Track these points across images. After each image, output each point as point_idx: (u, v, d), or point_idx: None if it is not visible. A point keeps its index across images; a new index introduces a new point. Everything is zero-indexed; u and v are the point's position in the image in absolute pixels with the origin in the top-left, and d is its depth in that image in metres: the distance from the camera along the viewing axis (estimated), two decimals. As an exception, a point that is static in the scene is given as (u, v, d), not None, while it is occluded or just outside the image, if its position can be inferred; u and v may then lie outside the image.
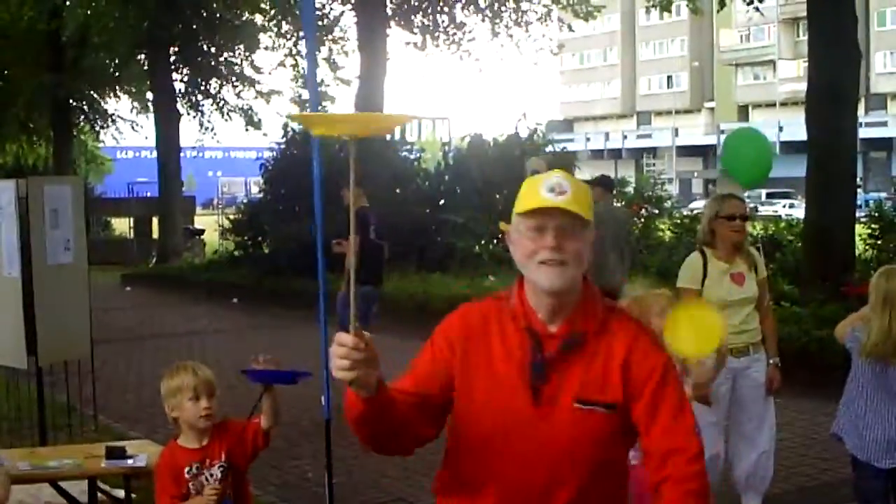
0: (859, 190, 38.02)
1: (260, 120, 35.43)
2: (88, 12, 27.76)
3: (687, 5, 23.65)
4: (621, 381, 3.15)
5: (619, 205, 14.05)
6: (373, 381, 2.92)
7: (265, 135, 34.67)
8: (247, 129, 35.60)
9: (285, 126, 25.16)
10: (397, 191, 21.82)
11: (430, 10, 27.27)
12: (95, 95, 40.17)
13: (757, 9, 19.98)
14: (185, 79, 33.79)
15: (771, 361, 7.02)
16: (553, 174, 3.20)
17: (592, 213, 3.22)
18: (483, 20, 27.98)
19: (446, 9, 27.49)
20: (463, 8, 27.68)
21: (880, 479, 5.95)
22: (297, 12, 27.74)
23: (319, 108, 25.04)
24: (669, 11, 23.29)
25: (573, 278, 3.17)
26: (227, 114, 35.13)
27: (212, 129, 35.71)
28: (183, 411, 4.84)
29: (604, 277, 10.38)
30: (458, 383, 3.23)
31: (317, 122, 3.32)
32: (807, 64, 16.91)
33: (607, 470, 3.22)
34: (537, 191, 3.16)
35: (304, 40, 29.23)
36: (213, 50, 32.93)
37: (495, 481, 3.19)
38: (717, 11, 20.43)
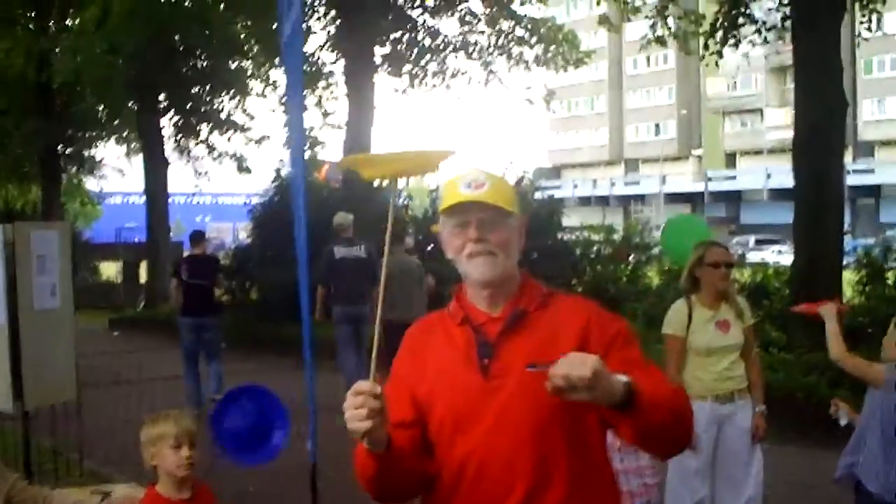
0: (847, 237, 38.07)
1: (248, 167, 35.47)
2: (79, 59, 27.77)
3: (679, 48, 23.74)
4: (577, 345, 3.09)
5: (411, 257, 14.73)
6: (385, 436, 2.93)
7: (251, 175, 34.93)
8: (239, 173, 35.64)
9: (277, 171, 25.22)
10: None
11: (419, 59, 27.39)
12: (84, 141, 40.17)
13: (744, 49, 20.17)
14: (175, 125, 33.87)
15: (757, 409, 7.03)
16: (472, 170, 3.26)
17: (516, 204, 3.27)
18: (473, 67, 28.15)
19: (435, 56, 27.61)
20: (453, 53, 27.79)
21: None
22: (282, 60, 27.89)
23: (308, 152, 25.28)
24: (664, 44, 23.30)
25: (504, 267, 3.22)
26: (218, 158, 35.18)
27: (205, 174, 35.81)
28: (163, 459, 4.74)
29: (394, 312, 11.28)
30: (418, 394, 3.25)
31: (364, 164, 3.35)
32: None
33: (576, 448, 3.16)
34: (456, 188, 3.22)
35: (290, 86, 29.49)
36: (203, 97, 33.02)
37: (468, 473, 3.16)
38: (706, 59, 20.50)
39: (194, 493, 4.80)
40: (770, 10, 19.60)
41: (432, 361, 3.27)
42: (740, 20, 19.70)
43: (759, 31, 20.00)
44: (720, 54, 20.23)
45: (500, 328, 3.22)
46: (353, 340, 14.16)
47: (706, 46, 20.84)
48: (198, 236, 15.25)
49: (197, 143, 34.70)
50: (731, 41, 19.90)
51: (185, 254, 15.04)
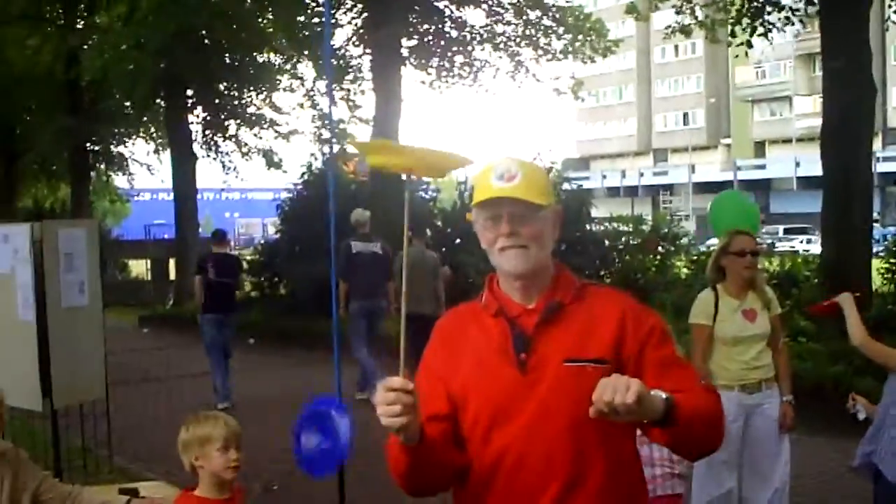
0: (877, 224, 37.89)
1: (281, 160, 35.46)
2: (106, 55, 27.86)
3: (705, 37, 23.60)
4: (612, 338, 3.14)
5: (430, 251, 14.98)
6: (418, 429, 2.93)
7: (285, 172, 34.89)
8: (268, 169, 35.64)
9: (309, 166, 25.26)
10: (410, 232, 21.82)
11: (446, 52, 27.32)
12: (113, 139, 40.33)
13: (767, 36, 20.02)
14: (203, 120, 33.93)
15: (784, 399, 6.99)
16: (504, 160, 3.24)
17: (549, 194, 3.26)
18: (500, 58, 28.04)
19: (462, 48, 27.53)
20: (479, 45, 27.71)
21: None
22: (313, 53, 27.90)
23: (336, 146, 25.29)
24: (688, 35, 23.15)
25: (537, 259, 3.21)
26: (247, 154, 35.21)
27: (235, 169, 35.82)
28: (210, 461, 4.66)
29: (411, 305, 11.06)
30: (453, 387, 3.25)
31: (373, 150, 3.33)
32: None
33: (610, 441, 3.16)
34: (488, 180, 3.20)
35: (321, 81, 29.50)
36: (231, 92, 33.06)
37: (503, 468, 3.15)
38: (734, 49, 20.40)
39: (233, 494, 4.78)
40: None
41: (467, 354, 3.26)
42: (767, 7, 19.56)
43: (787, 19, 19.85)
44: (749, 44, 20.09)
45: (535, 321, 3.21)
46: (367, 334, 14.57)
47: (733, 34, 20.74)
48: (220, 235, 15.55)
49: (225, 139, 34.73)
50: (760, 29, 19.77)
51: (212, 251, 15.09)
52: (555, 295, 3.25)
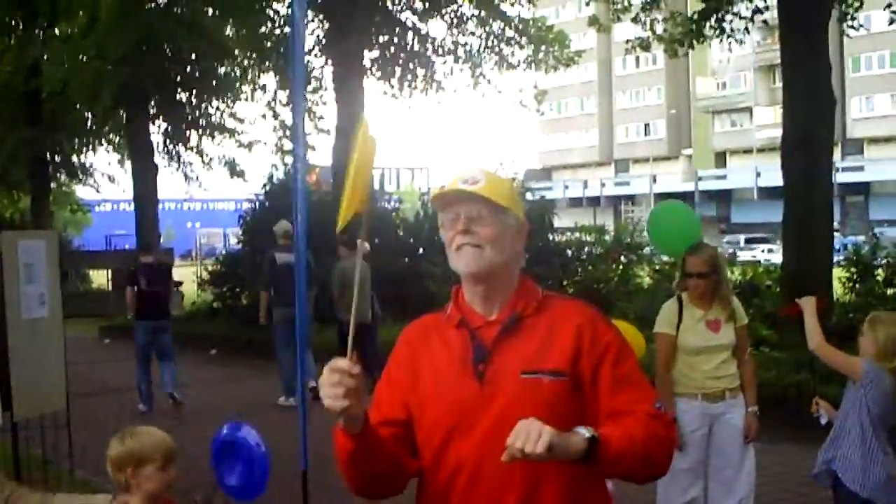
0: (837, 234, 38.15)
1: (243, 170, 35.37)
2: (66, 66, 27.70)
3: (664, 50, 23.75)
4: (569, 350, 3.14)
5: (364, 262, 15.35)
6: (361, 415, 2.93)
7: (246, 181, 34.82)
8: (231, 178, 35.51)
9: (271, 176, 25.22)
10: (376, 240, 21.87)
11: (408, 63, 27.36)
12: (74, 149, 40.07)
13: (734, 44, 20.14)
14: (165, 130, 33.80)
15: (749, 409, 7.02)
16: (471, 169, 3.26)
17: (515, 202, 3.27)
18: (462, 70, 28.11)
19: (424, 59, 27.57)
20: (441, 56, 27.76)
21: None
22: (273, 64, 27.87)
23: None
24: (647, 49, 23.30)
25: (492, 261, 3.20)
26: (209, 163, 35.09)
27: (197, 179, 35.69)
28: (147, 480, 4.51)
29: (348, 313, 12.60)
30: (411, 398, 3.25)
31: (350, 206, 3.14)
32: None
33: None
34: (454, 184, 3.22)
35: (283, 91, 29.46)
36: (192, 101, 32.94)
37: (461, 478, 3.15)
38: (695, 56, 20.58)
39: None
40: (757, 9, 19.55)
41: (427, 365, 3.26)
42: (726, 16, 19.69)
43: (746, 29, 19.99)
44: (709, 44, 20.21)
45: (495, 333, 3.21)
46: (291, 341, 14.55)
47: (691, 46, 20.87)
48: (146, 246, 16.63)
49: (187, 149, 34.62)
50: (717, 32, 19.90)
51: (141, 262, 15.90)
52: (516, 306, 3.25)
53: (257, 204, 25.13)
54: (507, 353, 3.17)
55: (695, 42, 20.62)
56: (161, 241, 33.79)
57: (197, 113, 33.45)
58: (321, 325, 16.68)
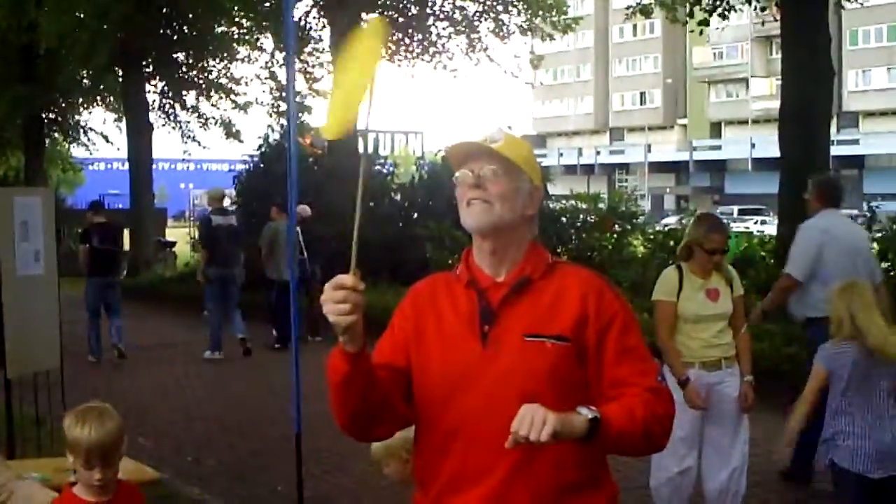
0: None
1: (239, 131, 35.25)
2: (63, 19, 27.54)
3: (666, 16, 23.63)
4: (575, 317, 3.16)
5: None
6: (361, 336, 2.93)
7: (241, 142, 34.81)
8: (227, 138, 35.41)
9: (266, 137, 25.15)
10: (371, 205, 21.83)
11: (404, 27, 27.22)
12: (68, 107, 39.94)
13: (725, 16, 20.06)
14: (160, 90, 33.67)
15: (745, 379, 7.03)
16: (494, 129, 3.27)
17: (531, 166, 3.30)
18: (457, 34, 27.98)
19: (421, 24, 27.44)
20: (436, 21, 27.64)
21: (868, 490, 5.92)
22: (270, 23, 27.72)
23: (297, 119, 25.18)
24: (648, 14, 23.25)
25: (500, 217, 3.20)
26: (205, 124, 34.97)
27: (194, 138, 35.58)
28: (78, 472, 4.22)
29: (277, 271, 16.56)
30: (413, 352, 3.28)
31: (333, 123, 3.10)
32: (780, 82, 17.02)
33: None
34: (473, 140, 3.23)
35: (280, 52, 29.32)
36: (189, 61, 32.81)
37: (460, 437, 3.17)
38: (692, 27, 20.50)
39: (117, 492, 4.34)
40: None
41: (433, 322, 3.28)
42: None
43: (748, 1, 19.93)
44: (706, 22, 20.16)
45: (502, 294, 3.22)
46: (221, 298, 16.57)
47: (691, 14, 20.79)
48: (98, 205, 17.19)
49: (183, 109, 34.50)
50: (719, 9, 19.84)
51: (94, 221, 16.33)
52: (525, 269, 3.25)
53: (252, 166, 25.08)
54: (512, 316, 3.19)
55: (695, 10, 20.50)
56: (155, 201, 33.66)
57: (194, 72, 33.32)
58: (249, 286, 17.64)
